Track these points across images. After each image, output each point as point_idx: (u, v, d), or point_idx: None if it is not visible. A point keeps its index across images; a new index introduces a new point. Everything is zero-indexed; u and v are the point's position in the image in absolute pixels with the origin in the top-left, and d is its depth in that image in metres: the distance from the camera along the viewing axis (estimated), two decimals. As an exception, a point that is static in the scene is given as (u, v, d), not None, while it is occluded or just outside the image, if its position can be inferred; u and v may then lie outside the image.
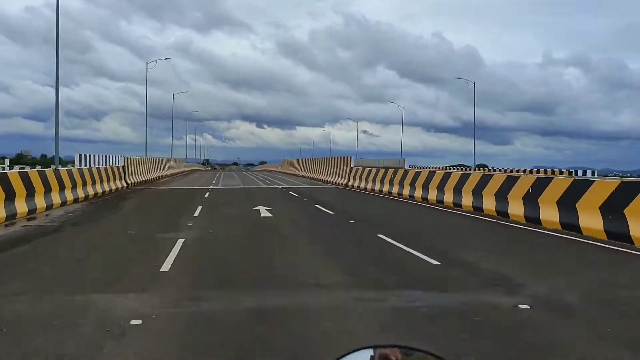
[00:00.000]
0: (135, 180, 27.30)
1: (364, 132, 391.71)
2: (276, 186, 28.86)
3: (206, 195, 21.07)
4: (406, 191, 19.83)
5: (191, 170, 69.33)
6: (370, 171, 25.68)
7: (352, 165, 28.56)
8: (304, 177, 43.65)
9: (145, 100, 42.34)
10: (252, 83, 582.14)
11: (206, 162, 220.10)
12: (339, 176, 30.65)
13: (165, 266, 7.03)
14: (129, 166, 26.70)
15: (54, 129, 22.97)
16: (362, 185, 25.88)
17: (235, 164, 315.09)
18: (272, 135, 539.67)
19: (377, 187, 23.56)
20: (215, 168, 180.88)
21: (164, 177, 37.61)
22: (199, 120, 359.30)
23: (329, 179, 33.19)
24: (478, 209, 14.25)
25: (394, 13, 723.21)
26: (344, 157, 30.35)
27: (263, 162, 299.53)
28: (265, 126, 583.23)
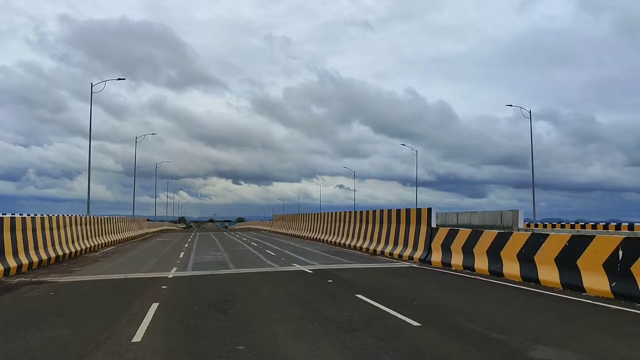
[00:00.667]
0: (36, 260, 14.31)
1: (341, 186, 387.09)
2: (295, 265, 15.86)
3: (147, 317, 7.87)
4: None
5: (160, 230, 54.64)
6: (470, 236, 13.54)
7: (433, 225, 15.74)
8: (315, 240, 30.48)
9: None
10: (228, 140, 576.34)
11: (181, 220, 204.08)
12: (399, 244, 17.93)
13: None
14: (25, 233, 13.86)
15: None
16: (460, 262, 13.58)
17: (211, 220, 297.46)
18: (248, 191, 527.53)
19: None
20: (190, 226, 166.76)
21: (107, 244, 24.32)
22: (175, 177, 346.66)
23: (373, 247, 20.48)
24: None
25: (367, 70, 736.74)
26: (413, 210, 17.43)
27: (241, 219, 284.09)
28: (242, 182, 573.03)
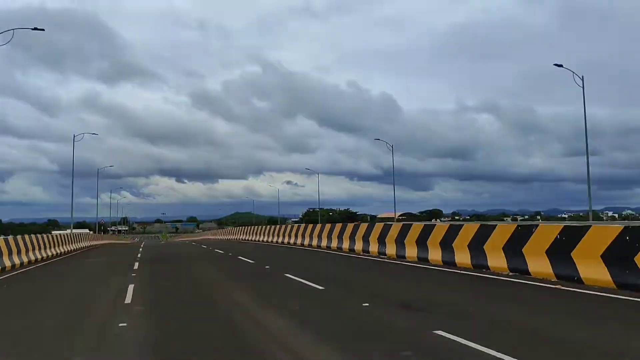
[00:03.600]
0: None
1: (288, 182, 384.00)
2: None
3: None
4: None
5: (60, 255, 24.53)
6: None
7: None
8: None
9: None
10: (168, 136, 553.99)
11: (124, 221, 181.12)
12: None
13: None
14: None
15: None
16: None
17: (159, 221, 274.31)
18: (193, 190, 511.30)
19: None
20: (129, 232, 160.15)
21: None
22: (116, 177, 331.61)
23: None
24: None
25: (308, 63, 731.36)
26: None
27: (192, 218, 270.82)
28: (186, 180, 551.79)
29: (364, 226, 18.81)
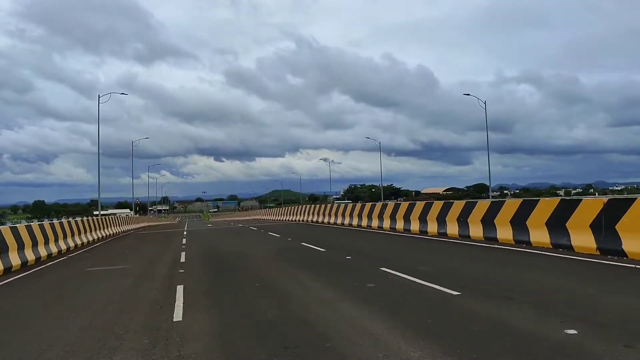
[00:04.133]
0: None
1: (325, 159, 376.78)
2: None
3: None
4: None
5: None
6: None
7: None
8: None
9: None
10: (205, 115, 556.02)
11: (165, 201, 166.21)
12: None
13: None
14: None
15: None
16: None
17: (199, 200, 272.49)
18: (231, 168, 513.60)
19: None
20: (170, 212, 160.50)
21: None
22: (155, 156, 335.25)
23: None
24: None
25: (341, 38, 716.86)
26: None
27: (232, 197, 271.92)
28: (224, 159, 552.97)
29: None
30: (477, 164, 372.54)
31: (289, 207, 40.29)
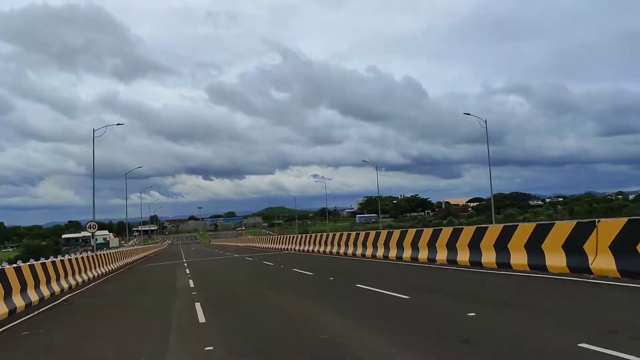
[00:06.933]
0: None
1: (314, 176, 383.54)
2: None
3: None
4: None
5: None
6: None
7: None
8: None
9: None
10: (191, 133, 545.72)
11: (154, 220, 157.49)
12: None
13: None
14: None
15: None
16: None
17: (193, 218, 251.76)
18: (220, 187, 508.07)
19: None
20: (159, 233, 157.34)
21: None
22: (143, 177, 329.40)
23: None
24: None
25: (325, 51, 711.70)
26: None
27: (231, 213, 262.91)
28: (213, 177, 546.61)
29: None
30: (468, 177, 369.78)
31: (298, 237, 37.41)
